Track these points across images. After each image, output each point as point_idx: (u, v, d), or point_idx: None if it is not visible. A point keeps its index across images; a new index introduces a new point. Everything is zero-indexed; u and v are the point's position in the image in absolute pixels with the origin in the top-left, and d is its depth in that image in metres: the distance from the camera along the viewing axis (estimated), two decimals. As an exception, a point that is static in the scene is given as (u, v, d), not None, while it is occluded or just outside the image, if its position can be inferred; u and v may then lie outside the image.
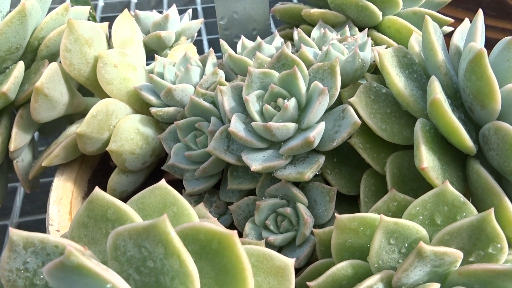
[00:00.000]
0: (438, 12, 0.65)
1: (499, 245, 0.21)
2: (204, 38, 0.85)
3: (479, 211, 0.23)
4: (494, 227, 0.21)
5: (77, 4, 0.49)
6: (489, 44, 0.66)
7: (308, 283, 0.22)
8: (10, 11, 0.34)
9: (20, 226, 0.62)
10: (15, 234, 0.18)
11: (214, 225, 0.19)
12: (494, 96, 0.23)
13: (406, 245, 0.21)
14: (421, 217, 0.23)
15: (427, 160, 0.23)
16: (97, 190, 0.21)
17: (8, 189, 0.66)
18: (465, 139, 0.23)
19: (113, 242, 0.18)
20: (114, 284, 0.16)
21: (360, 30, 0.36)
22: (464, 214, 0.22)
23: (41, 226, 0.64)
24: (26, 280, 0.19)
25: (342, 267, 0.22)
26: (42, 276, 0.19)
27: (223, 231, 0.19)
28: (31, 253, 0.19)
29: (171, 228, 0.17)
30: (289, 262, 0.21)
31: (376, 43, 0.37)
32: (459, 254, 0.20)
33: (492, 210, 0.20)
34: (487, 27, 0.66)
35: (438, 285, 0.20)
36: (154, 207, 0.22)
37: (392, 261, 0.21)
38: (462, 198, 0.22)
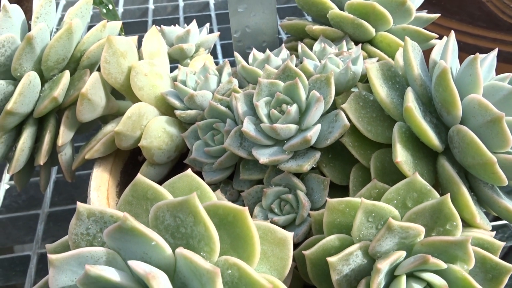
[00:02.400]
0: (434, 22, 0.70)
1: (454, 223, 0.26)
2: (218, 44, 0.90)
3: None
4: (450, 208, 0.26)
5: (107, 17, 0.55)
6: (482, 52, 0.72)
7: (304, 252, 0.27)
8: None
9: (50, 215, 0.68)
10: (81, 206, 0.24)
11: (230, 202, 0.25)
12: (456, 104, 0.28)
13: (382, 222, 0.27)
14: (395, 201, 0.28)
15: (401, 155, 0.28)
16: (139, 176, 0.26)
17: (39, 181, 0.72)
18: (432, 139, 0.28)
19: (154, 214, 0.24)
20: (157, 241, 0.22)
21: (356, 44, 0.42)
22: (430, 199, 0.27)
23: (68, 215, 0.70)
24: (87, 242, 0.24)
25: (331, 239, 0.27)
26: (99, 239, 0.25)
27: (237, 207, 0.24)
28: (92, 221, 0.24)
29: (199, 202, 0.23)
30: (288, 235, 0.27)
31: (369, 55, 0.42)
32: (421, 228, 0.25)
33: (448, 195, 0.26)
34: (479, 37, 0.72)
35: (404, 252, 0.25)
36: (182, 190, 0.27)
37: (370, 235, 0.27)
38: (428, 186, 0.28)
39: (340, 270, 0.25)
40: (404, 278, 0.25)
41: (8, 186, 0.70)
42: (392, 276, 0.26)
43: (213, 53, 0.89)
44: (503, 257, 0.88)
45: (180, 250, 0.21)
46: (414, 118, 0.28)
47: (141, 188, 0.26)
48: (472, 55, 0.30)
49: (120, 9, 1.04)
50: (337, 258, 0.25)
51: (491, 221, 0.58)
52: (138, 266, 0.20)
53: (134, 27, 0.99)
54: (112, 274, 0.21)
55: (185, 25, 0.46)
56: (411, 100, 0.28)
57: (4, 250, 0.76)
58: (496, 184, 0.28)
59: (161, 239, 0.22)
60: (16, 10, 0.37)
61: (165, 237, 0.23)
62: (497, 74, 0.68)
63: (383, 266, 0.24)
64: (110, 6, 0.55)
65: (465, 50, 0.65)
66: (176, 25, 0.46)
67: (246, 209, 0.24)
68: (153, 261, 0.22)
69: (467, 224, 0.28)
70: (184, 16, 1.01)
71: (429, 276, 0.25)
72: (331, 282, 0.26)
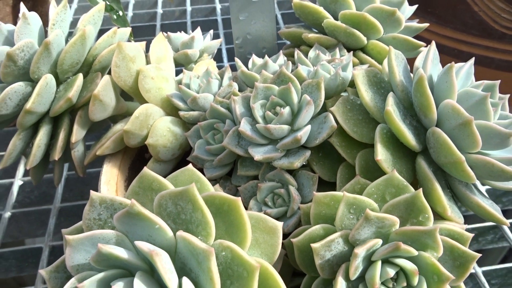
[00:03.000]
0: (430, 30, 0.73)
1: (426, 215, 0.29)
2: (223, 48, 0.93)
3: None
4: (422, 202, 0.29)
5: (117, 23, 0.59)
6: (477, 59, 0.75)
7: (292, 240, 0.30)
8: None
9: (61, 210, 0.70)
10: (94, 194, 0.27)
11: (225, 193, 0.28)
12: (431, 109, 0.31)
13: (362, 214, 0.30)
14: (375, 195, 0.31)
15: (381, 154, 0.31)
16: (145, 169, 0.29)
17: (51, 177, 0.75)
18: (409, 139, 0.31)
19: (158, 202, 0.27)
20: (160, 225, 0.25)
21: (349, 51, 0.45)
22: (406, 193, 0.30)
23: (78, 210, 0.73)
24: (99, 227, 0.27)
25: (316, 229, 0.30)
26: (110, 224, 0.28)
27: (232, 197, 0.27)
28: (104, 208, 0.27)
29: (197, 192, 0.26)
30: (278, 224, 0.29)
31: (361, 62, 0.45)
32: (395, 219, 0.28)
33: (421, 190, 0.29)
34: (473, 44, 0.74)
35: (380, 240, 0.28)
36: (184, 182, 0.30)
37: (351, 225, 0.30)
38: (405, 182, 0.31)
39: (323, 255, 0.28)
40: (379, 263, 0.28)
41: (21, 182, 0.73)
42: (369, 261, 0.28)
43: (219, 56, 0.92)
44: (504, 259, 0.90)
45: (180, 233, 0.25)
46: (393, 120, 0.31)
47: (147, 179, 0.29)
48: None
49: (130, 13, 1.06)
50: (320, 244, 0.28)
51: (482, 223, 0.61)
52: (144, 245, 0.24)
53: (143, 30, 1.01)
54: (121, 252, 0.24)
55: (190, 31, 0.49)
56: (390, 104, 0.31)
57: (17, 244, 0.79)
58: (466, 181, 0.31)
59: (163, 223, 0.25)
60: (34, 18, 0.41)
61: (167, 222, 0.26)
62: (490, 80, 0.71)
63: (360, 251, 0.27)
64: (120, 13, 0.58)
65: (459, 57, 0.68)
66: (182, 31, 0.49)
67: (239, 199, 0.27)
68: (156, 243, 0.25)
69: (440, 217, 0.31)
70: (192, 21, 1.04)
71: (401, 262, 0.28)
72: (315, 267, 0.29)
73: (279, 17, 1.01)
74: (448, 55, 0.68)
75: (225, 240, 0.26)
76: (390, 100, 0.31)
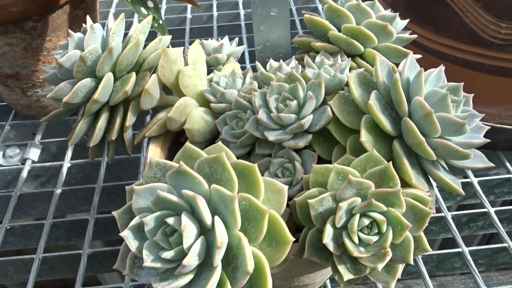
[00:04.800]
0: (428, 38, 0.82)
1: (395, 182, 0.39)
2: (246, 51, 1.02)
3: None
4: (392, 171, 0.38)
5: (158, 30, 0.70)
6: (469, 65, 0.85)
7: (295, 199, 0.40)
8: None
9: (104, 189, 0.81)
10: (152, 158, 0.38)
11: (246, 161, 0.38)
12: (403, 103, 0.41)
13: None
14: (359, 168, 0.41)
15: (364, 136, 0.41)
16: (188, 144, 0.40)
17: (94, 162, 0.87)
18: (386, 125, 0.41)
19: (197, 165, 0.37)
20: (200, 180, 0.35)
21: (349, 57, 0.55)
22: (382, 166, 0.40)
23: (117, 190, 0.84)
24: (155, 182, 0.38)
25: (313, 191, 0.40)
26: (162, 181, 0.38)
27: (251, 164, 0.37)
28: (158, 169, 0.38)
29: (226, 158, 0.36)
30: (284, 186, 0.38)
31: (359, 66, 0.54)
32: (370, 183, 0.38)
33: (390, 163, 0.38)
34: (465, 51, 0.84)
35: (359, 198, 0.38)
36: (215, 153, 0.41)
37: (339, 188, 0.40)
38: (381, 158, 0.40)
39: (317, 209, 0.38)
40: (358, 215, 0.38)
41: (69, 165, 0.85)
42: (350, 215, 0.38)
43: (242, 59, 1.01)
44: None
45: (213, 185, 0.35)
46: (374, 111, 0.41)
47: (189, 151, 0.39)
48: (419, 69, 0.43)
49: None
50: (315, 200, 0.38)
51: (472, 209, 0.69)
52: (188, 192, 0.34)
53: (174, 34, 1.11)
54: (172, 196, 0.34)
55: (218, 37, 0.60)
56: (372, 99, 0.41)
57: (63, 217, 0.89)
58: (427, 157, 0.40)
59: (202, 179, 0.35)
60: (98, 28, 0.52)
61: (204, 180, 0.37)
62: (482, 84, 0.81)
63: (343, 204, 0.37)
64: (160, 21, 0.69)
65: (454, 62, 0.77)
66: (212, 37, 0.59)
67: (256, 165, 0.37)
68: (196, 192, 0.36)
69: (408, 185, 0.41)
70: (217, 25, 1.13)
71: (374, 214, 0.37)
72: (311, 220, 0.39)
73: (297, 23, 1.10)
74: (444, 60, 0.77)
75: (245, 193, 0.36)
76: (372, 96, 0.41)
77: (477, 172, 0.86)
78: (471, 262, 0.68)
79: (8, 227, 0.75)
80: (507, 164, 0.81)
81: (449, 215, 0.74)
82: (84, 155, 0.90)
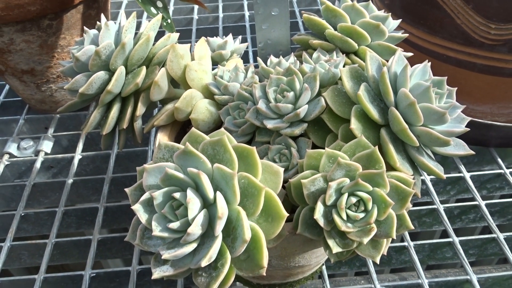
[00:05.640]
0: (422, 38, 0.85)
1: (380, 165, 0.42)
2: (250, 50, 1.06)
3: (381, 152, 0.45)
4: (378, 155, 0.42)
5: (166, 29, 0.74)
6: (462, 65, 0.89)
7: (290, 180, 0.44)
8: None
9: (113, 179, 0.86)
10: (161, 141, 0.42)
11: (246, 145, 0.42)
12: (389, 95, 0.45)
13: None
14: (348, 152, 0.44)
15: (354, 124, 0.45)
16: (193, 129, 0.44)
17: (104, 154, 0.91)
18: (373, 114, 0.45)
19: (202, 147, 0.41)
20: (204, 159, 0.39)
21: (344, 54, 0.59)
22: (369, 150, 0.44)
23: (125, 181, 0.89)
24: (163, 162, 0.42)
25: (306, 173, 0.44)
26: (170, 161, 0.42)
27: (250, 147, 0.42)
28: (166, 151, 0.42)
29: (227, 140, 0.40)
30: (280, 169, 0.42)
31: (353, 62, 0.58)
32: (358, 165, 0.42)
33: (377, 147, 0.42)
34: (458, 51, 0.88)
35: (348, 179, 0.42)
36: None
37: (329, 170, 0.44)
38: (369, 144, 0.44)
39: (309, 188, 0.42)
40: (346, 194, 0.42)
41: (80, 157, 0.89)
42: (340, 194, 0.42)
43: (246, 57, 1.05)
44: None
45: (216, 164, 0.39)
46: (362, 101, 0.44)
47: (194, 135, 0.43)
48: (405, 64, 0.46)
49: (170, 19, 1.20)
50: (307, 180, 0.42)
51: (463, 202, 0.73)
52: (193, 169, 0.38)
53: (181, 34, 1.13)
54: (179, 174, 0.39)
55: (224, 36, 0.64)
56: (361, 90, 0.45)
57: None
58: (411, 143, 0.44)
59: (206, 158, 0.39)
60: (112, 25, 0.56)
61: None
62: (475, 83, 0.84)
63: (333, 184, 0.41)
64: (169, 20, 0.73)
65: (447, 62, 0.81)
66: (218, 36, 0.64)
67: (254, 148, 0.41)
68: (200, 171, 0.40)
69: (393, 169, 0.45)
70: (223, 26, 1.17)
71: (361, 193, 0.41)
72: (305, 199, 0.43)
73: (300, 24, 1.14)
74: (438, 59, 0.81)
75: (244, 172, 0.40)
76: (362, 87, 0.45)
77: (471, 168, 0.89)
78: (461, 251, 0.72)
79: (22, 214, 0.79)
80: (499, 160, 0.85)
81: (441, 208, 0.78)
82: (94, 148, 0.94)
